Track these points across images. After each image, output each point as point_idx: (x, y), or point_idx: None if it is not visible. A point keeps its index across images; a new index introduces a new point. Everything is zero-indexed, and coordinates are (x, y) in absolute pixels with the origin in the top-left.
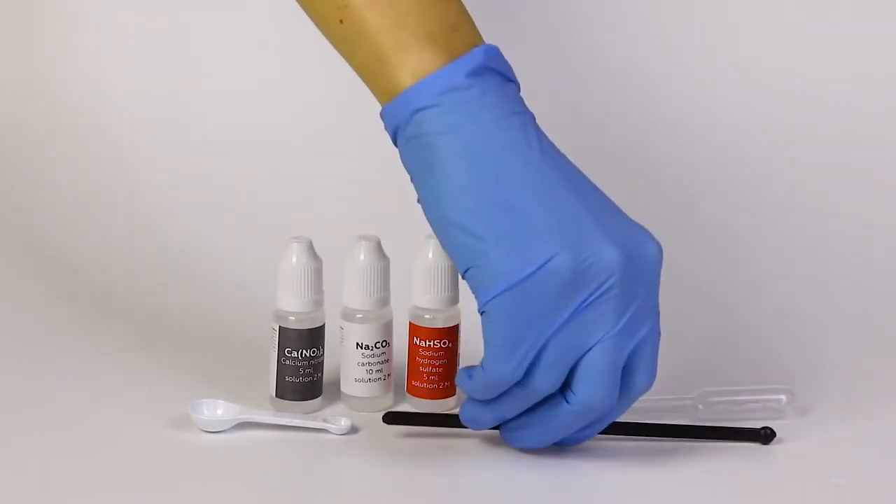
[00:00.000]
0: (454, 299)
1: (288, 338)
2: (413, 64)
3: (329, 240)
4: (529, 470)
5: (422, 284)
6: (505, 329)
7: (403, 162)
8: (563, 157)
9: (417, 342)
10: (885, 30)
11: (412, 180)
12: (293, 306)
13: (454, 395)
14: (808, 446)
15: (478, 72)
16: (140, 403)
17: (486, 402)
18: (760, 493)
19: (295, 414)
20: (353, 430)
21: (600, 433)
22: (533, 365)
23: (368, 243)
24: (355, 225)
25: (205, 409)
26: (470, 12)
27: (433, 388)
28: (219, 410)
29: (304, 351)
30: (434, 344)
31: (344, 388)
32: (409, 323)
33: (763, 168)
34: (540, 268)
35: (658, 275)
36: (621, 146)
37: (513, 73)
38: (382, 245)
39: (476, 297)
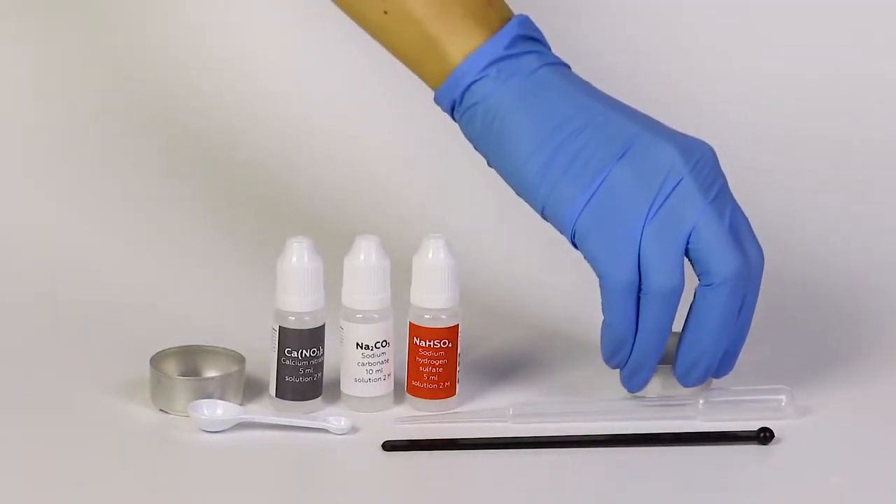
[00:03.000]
0: (454, 299)
1: (288, 338)
2: (462, 43)
3: (329, 240)
4: (530, 471)
5: (422, 284)
6: (598, 238)
7: (465, 133)
8: (602, 92)
9: (417, 342)
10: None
11: (477, 148)
12: (293, 306)
13: (454, 395)
14: (808, 446)
15: (514, 42)
16: (139, 403)
17: (637, 339)
18: (760, 493)
19: (295, 414)
20: (353, 430)
21: (606, 445)
22: (644, 265)
23: (368, 243)
24: (355, 225)
25: (205, 409)
26: None
27: (433, 388)
28: (219, 410)
29: (304, 351)
30: (434, 344)
31: (344, 388)
32: (409, 323)
33: (763, 169)
34: (604, 179)
35: (719, 166)
36: None
37: (543, 37)
38: (382, 245)
39: (562, 231)
